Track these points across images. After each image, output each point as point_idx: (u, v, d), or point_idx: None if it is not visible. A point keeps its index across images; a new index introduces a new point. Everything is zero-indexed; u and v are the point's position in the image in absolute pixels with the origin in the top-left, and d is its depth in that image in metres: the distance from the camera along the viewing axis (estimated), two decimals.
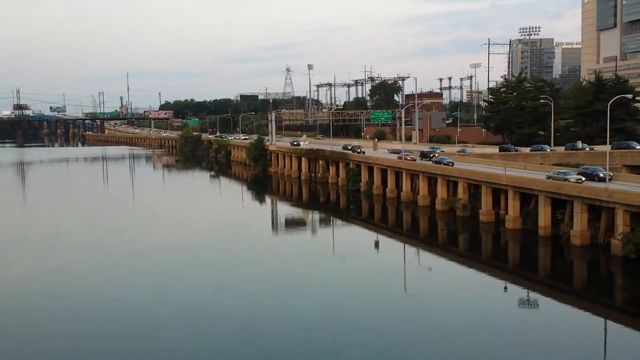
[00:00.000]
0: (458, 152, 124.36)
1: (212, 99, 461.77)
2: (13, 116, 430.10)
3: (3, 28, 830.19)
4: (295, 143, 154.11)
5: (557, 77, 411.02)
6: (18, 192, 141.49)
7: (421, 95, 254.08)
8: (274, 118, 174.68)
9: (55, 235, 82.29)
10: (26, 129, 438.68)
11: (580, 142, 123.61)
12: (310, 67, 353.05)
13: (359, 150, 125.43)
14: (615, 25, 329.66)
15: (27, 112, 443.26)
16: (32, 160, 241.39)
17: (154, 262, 66.56)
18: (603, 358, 40.25)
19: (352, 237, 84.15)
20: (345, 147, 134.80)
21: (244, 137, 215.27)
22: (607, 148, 77.63)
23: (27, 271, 63.38)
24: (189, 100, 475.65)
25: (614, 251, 61.40)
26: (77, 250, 73.22)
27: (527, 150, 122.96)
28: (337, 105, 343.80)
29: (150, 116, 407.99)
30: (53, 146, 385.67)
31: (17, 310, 50.34)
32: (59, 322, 47.39)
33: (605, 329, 46.32)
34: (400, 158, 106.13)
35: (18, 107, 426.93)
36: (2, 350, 41.49)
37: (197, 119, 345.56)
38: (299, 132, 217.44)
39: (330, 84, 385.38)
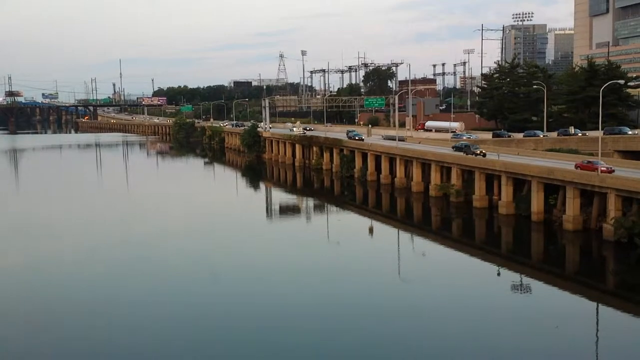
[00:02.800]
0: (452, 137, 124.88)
1: (206, 86, 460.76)
2: (5, 103, 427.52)
3: None
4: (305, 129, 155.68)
5: (550, 62, 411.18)
6: (10, 181, 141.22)
7: (415, 82, 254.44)
8: (267, 104, 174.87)
9: (47, 225, 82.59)
10: (18, 116, 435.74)
11: (572, 127, 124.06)
12: (303, 53, 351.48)
13: (357, 138, 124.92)
14: (607, 11, 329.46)
15: (19, 99, 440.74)
16: (25, 147, 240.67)
17: (146, 250, 66.86)
18: (595, 340, 40.90)
19: (346, 223, 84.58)
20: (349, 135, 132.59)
21: (227, 124, 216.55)
22: (599, 134, 78.15)
23: (19, 262, 63.43)
24: (182, 86, 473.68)
25: (606, 236, 62.09)
26: (66, 240, 73.22)
27: (520, 136, 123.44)
28: (330, 92, 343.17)
29: (143, 103, 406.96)
30: (46, 133, 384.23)
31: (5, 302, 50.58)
32: (48, 315, 47.27)
33: (597, 312, 46.98)
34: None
35: (10, 94, 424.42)
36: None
37: (190, 106, 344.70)
38: (293, 119, 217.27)
39: (324, 70, 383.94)
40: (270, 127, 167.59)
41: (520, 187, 77.03)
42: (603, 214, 64.45)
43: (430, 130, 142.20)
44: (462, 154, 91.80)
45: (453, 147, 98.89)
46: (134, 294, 50.73)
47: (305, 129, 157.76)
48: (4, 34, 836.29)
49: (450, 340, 39.93)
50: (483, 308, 46.68)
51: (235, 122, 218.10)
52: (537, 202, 72.08)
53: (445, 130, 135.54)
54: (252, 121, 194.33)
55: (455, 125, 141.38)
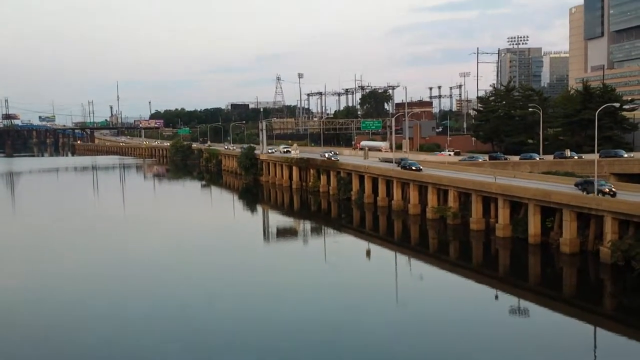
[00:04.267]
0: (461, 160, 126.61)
1: (203, 108, 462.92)
2: (2, 126, 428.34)
3: None
4: (325, 155, 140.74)
5: (546, 85, 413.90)
6: (6, 204, 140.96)
7: (411, 104, 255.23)
8: (264, 127, 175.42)
9: (43, 247, 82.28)
10: (15, 139, 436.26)
11: (569, 150, 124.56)
12: (300, 76, 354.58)
13: (327, 156, 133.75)
14: (602, 35, 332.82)
15: (16, 121, 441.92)
16: (21, 170, 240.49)
17: (144, 272, 66.58)
18: None
19: (344, 245, 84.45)
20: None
21: (231, 147, 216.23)
22: (595, 156, 78.48)
23: (16, 284, 63.10)
24: (180, 109, 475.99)
25: (602, 259, 62.10)
26: (64, 263, 72.85)
27: (516, 158, 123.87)
28: (327, 114, 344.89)
29: (140, 125, 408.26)
30: (42, 156, 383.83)
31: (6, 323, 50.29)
32: (47, 339, 47.09)
33: (594, 335, 46.88)
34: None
35: (7, 116, 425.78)
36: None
37: (187, 128, 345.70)
38: (290, 141, 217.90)
39: (320, 93, 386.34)
40: (273, 150, 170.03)
41: (517, 209, 77.13)
42: (600, 236, 64.51)
43: (364, 149, 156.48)
44: (463, 177, 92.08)
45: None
46: (130, 317, 50.40)
47: (330, 153, 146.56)
48: (1, 56, 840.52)
49: None
50: (481, 332, 46.51)
51: (230, 144, 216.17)
52: (534, 225, 72.14)
53: (377, 149, 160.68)
54: (248, 144, 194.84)
55: (382, 144, 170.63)
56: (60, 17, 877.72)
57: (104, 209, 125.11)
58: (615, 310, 53.68)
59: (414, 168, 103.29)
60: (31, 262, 72.32)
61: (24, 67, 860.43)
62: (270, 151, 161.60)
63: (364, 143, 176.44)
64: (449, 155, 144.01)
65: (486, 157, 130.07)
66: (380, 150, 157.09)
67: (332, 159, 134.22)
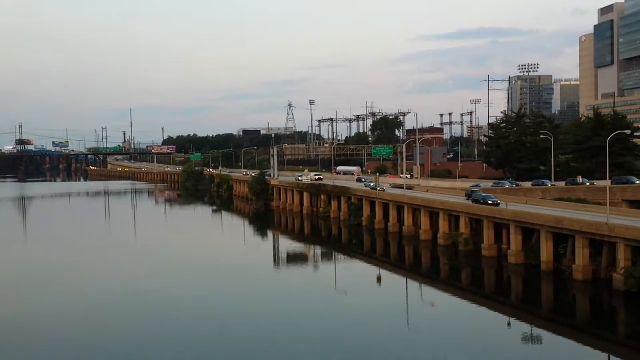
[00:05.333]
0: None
1: (215, 134, 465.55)
2: (15, 151, 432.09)
3: (6, 63, 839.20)
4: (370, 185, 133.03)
5: (557, 113, 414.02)
6: (18, 229, 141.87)
7: (422, 131, 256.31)
8: (276, 153, 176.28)
9: (54, 273, 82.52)
10: (28, 164, 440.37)
11: (580, 177, 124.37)
12: (312, 102, 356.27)
13: (378, 189, 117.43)
14: (612, 63, 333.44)
15: (30, 147, 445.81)
16: (34, 195, 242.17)
17: (154, 296, 66.61)
18: None
19: (355, 272, 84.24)
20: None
21: (244, 173, 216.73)
22: (607, 183, 78.30)
23: (27, 310, 63.28)
24: (192, 135, 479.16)
25: (616, 286, 61.62)
26: (74, 288, 72.71)
27: (528, 185, 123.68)
28: (339, 140, 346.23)
29: (153, 151, 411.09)
30: (55, 181, 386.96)
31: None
32: None
33: None
34: None
35: (20, 142, 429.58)
36: None
37: (199, 154, 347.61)
38: (301, 167, 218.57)
39: (332, 119, 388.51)
40: (301, 178, 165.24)
41: (530, 236, 76.82)
42: (613, 263, 64.08)
43: (340, 174, 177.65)
44: (470, 202, 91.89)
45: None
46: (139, 342, 50.42)
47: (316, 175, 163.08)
48: (16, 82, 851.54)
49: None
50: (494, 358, 46.14)
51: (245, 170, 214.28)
52: (546, 252, 71.78)
53: (351, 174, 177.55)
54: (260, 170, 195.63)
55: (354, 169, 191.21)
56: (74, 45, 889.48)
57: (115, 234, 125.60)
58: (628, 338, 53.09)
59: (490, 202, 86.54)
60: (38, 290, 72.48)
61: (38, 93, 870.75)
62: (299, 178, 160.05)
63: (339, 168, 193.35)
64: (407, 177, 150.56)
65: (486, 183, 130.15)
66: (353, 174, 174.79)
67: (317, 180, 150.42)
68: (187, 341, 49.79)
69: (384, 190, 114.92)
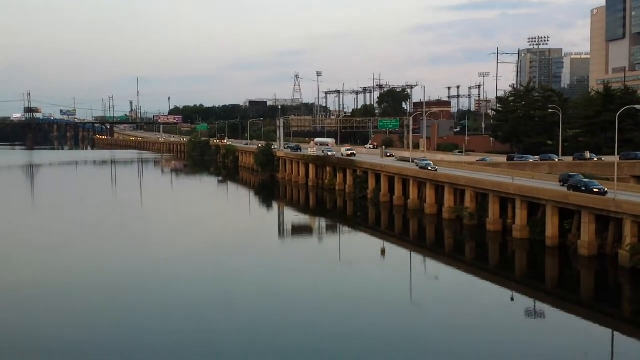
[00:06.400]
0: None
1: (221, 105, 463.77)
2: (24, 119, 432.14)
3: (15, 33, 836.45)
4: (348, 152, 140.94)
5: (566, 87, 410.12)
6: (25, 196, 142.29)
7: (429, 104, 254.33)
8: (282, 124, 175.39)
9: (60, 240, 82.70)
10: (36, 132, 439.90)
11: (588, 152, 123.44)
12: (319, 74, 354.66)
13: (430, 168, 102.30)
14: (624, 36, 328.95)
15: (38, 115, 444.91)
16: (42, 163, 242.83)
17: (158, 266, 66.61)
18: None
19: (359, 244, 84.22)
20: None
21: (245, 143, 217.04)
22: (615, 159, 77.55)
23: (33, 276, 63.43)
24: (198, 105, 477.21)
25: (621, 262, 61.22)
26: (75, 256, 73.10)
27: (535, 159, 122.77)
28: (345, 113, 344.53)
29: (159, 121, 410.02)
30: (62, 149, 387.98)
31: (21, 315, 50.54)
32: (61, 333, 47.23)
33: (612, 340, 46.23)
34: None
35: (28, 110, 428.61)
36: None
37: (205, 124, 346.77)
38: (307, 139, 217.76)
39: (338, 91, 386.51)
40: (302, 149, 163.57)
41: (535, 211, 76.33)
42: (619, 239, 63.63)
43: (317, 144, 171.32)
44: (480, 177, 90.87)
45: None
46: (142, 312, 50.53)
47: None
48: (24, 51, 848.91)
49: None
50: (496, 333, 46.09)
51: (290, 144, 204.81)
52: (551, 227, 71.32)
53: (326, 144, 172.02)
54: (265, 141, 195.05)
55: (329, 140, 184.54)
56: (82, 15, 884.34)
57: (121, 203, 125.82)
58: (633, 314, 52.86)
59: (595, 190, 74.06)
60: (47, 258, 72.69)
61: (46, 61, 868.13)
62: (329, 152, 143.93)
63: (316, 140, 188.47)
64: (370, 148, 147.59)
65: (493, 157, 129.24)
66: (327, 145, 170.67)
67: (349, 156, 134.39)
68: (190, 311, 49.84)
69: (436, 170, 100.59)
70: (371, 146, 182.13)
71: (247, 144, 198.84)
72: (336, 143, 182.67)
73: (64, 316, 49.62)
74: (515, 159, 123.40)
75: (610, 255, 64.40)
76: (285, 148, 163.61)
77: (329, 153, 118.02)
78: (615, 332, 47.49)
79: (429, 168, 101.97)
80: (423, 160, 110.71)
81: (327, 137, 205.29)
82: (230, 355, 41.15)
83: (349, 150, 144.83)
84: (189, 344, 42.17)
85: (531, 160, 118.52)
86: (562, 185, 78.81)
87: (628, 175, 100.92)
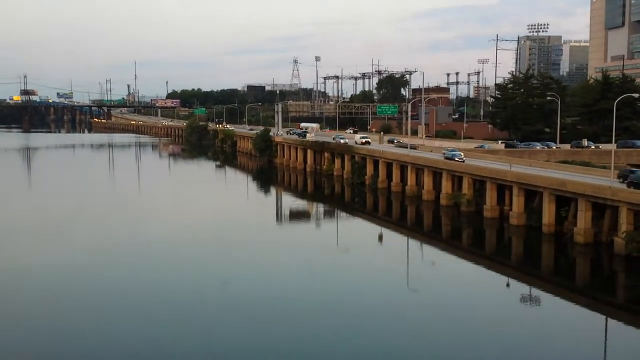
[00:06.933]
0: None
1: (219, 89, 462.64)
2: (20, 102, 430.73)
3: (11, 14, 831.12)
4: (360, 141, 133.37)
5: (565, 74, 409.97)
6: (22, 179, 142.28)
7: (428, 90, 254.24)
8: (280, 109, 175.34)
9: (56, 224, 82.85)
10: (33, 115, 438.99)
11: (586, 140, 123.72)
12: (317, 59, 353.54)
13: (457, 159, 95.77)
14: (623, 24, 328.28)
15: (34, 97, 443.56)
16: (38, 145, 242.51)
17: (154, 251, 66.76)
18: (604, 356, 40.60)
19: (356, 230, 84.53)
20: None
21: (249, 129, 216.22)
22: (612, 147, 77.77)
23: (26, 261, 63.62)
24: (196, 89, 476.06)
25: (617, 250, 61.65)
26: (74, 239, 73.20)
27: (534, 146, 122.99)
28: (344, 98, 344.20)
29: (157, 105, 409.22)
30: (59, 132, 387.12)
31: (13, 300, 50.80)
32: (56, 317, 47.36)
33: (606, 326, 46.68)
34: None
35: (25, 92, 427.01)
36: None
37: (203, 109, 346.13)
38: (307, 124, 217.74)
39: (337, 77, 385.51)
40: (312, 134, 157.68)
41: (532, 198, 76.69)
42: (614, 227, 64.03)
43: (305, 129, 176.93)
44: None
45: None
46: (137, 294, 50.83)
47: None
48: (20, 33, 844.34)
49: (456, 351, 39.75)
50: (491, 319, 46.46)
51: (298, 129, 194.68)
52: (548, 214, 71.70)
53: (311, 129, 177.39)
54: (263, 126, 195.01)
55: (314, 125, 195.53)
56: None
57: (119, 187, 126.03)
58: (628, 302, 53.33)
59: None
60: (43, 241, 72.90)
61: (42, 43, 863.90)
62: (341, 140, 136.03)
63: (302, 125, 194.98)
64: (349, 133, 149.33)
65: (491, 144, 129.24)
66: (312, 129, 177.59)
67: (363, 144, 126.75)
68: (187, 297, 50.16)
69: (464, 162, 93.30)
70: (350, 131, 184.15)
71: (252, 130, 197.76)
72: (336, 128, 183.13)
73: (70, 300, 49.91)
74: (520, 146, 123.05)
75: (606, 242, 64.81)
76: (291, 134, 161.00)
77: (451, 154, 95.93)
78: (609, 319, 47.91)
79: (457, 159, 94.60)
80: (452, 150, 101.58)
81: (325, 123, 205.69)
82: (227, 337, 41.47)
83: (363, 138, 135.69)
84: (188, 328, 42.50)
85: (538, 148, 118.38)
86: (622, 182, 68.82)
87: (625, 163, 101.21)
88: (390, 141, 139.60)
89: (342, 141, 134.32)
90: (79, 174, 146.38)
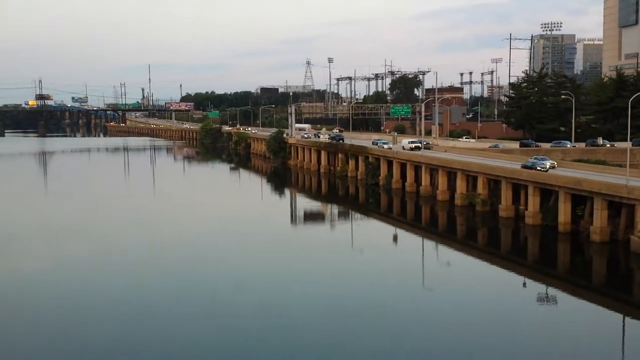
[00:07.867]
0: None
1: (233, 92, 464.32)
2: (35, 106, 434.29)
3: (26, 18, 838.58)
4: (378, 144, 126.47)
5: (579, 73, 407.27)
6: (38, 183, 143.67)
7: (441, 90, 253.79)
8: (293, 111, 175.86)
9: (75, 226, 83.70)
10: (48, 119, 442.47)
11: (601, 138, 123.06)
12: (330, 60, 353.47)
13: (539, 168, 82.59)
14: (637, 22, 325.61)
15: (50, 102, 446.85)
16: (54, 150, 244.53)
17: (171, 252, 67.25)
18: (622, 355, 40.55)
19: (371, 230, 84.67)
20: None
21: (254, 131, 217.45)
22: (627, 145, 77.41)
23: (44, 263, 64.32)
24: (210, 92, 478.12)
25: (633, 248, 61.42)
26: (90, 240, 73.86)
27: (547, 146, 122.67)
28: (357, 99, 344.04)
29: (171, 108, 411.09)
30: (75, 136, 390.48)
31: (26, 302, 51.37)
32: (73, 317, 47.87)
33: (624, 325, 46.56)
34: None
35: (40, 97, 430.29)
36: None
37: (217, 111, 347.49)
38: (319, 125, 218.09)
39: (350, 78, 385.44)
40: (388, 145, 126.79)
41: (547, 197, 76.51)
42: (631, 226, 63.81)
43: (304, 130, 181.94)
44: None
45: None
46: (154, 294, 51.32)
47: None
48: (35, 37, 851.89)
49: (472, 351, 39.87)
50: (507, 319, 46.48)
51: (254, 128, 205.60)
52: (564, 213, 71.51)
53: (303, 130, 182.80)
54: (279, 128, 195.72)
55: (305, 126, 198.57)
56: (93, 2, 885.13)
57: (134, 189, 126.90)
58: None
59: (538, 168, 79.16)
60: (58, 244, 73.68)
61: (57, 48, 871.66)
62: (384, 145, 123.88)
63: (296, 125, 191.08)
64: (391, 135, 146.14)
65: (506, 143, 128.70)
66: (304, 130, 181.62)
67: (412, 150, 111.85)
68: (201, 296, 50.60)
69: (547, 171, 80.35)
70: (395, 134, 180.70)
71: (270, 135, 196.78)
72: (348, 130, 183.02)
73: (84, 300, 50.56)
74: (551, 145, 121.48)
75: (622, 241, 64.57)
76: (323, 137, 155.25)
77: (535, 163, 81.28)
78: (626, 317, 47.80)
79: (538, 168, 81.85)
80: (542, 159, 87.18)
81: (339, 125, 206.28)
82: (245, 335, 41.82)
83: (412, 142, 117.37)
84: (202, 325, 42.92)
85: (569, 146, 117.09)
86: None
87: None
88: (412, 142, 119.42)
89: (385, 147, 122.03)
90: (96, 177, 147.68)
